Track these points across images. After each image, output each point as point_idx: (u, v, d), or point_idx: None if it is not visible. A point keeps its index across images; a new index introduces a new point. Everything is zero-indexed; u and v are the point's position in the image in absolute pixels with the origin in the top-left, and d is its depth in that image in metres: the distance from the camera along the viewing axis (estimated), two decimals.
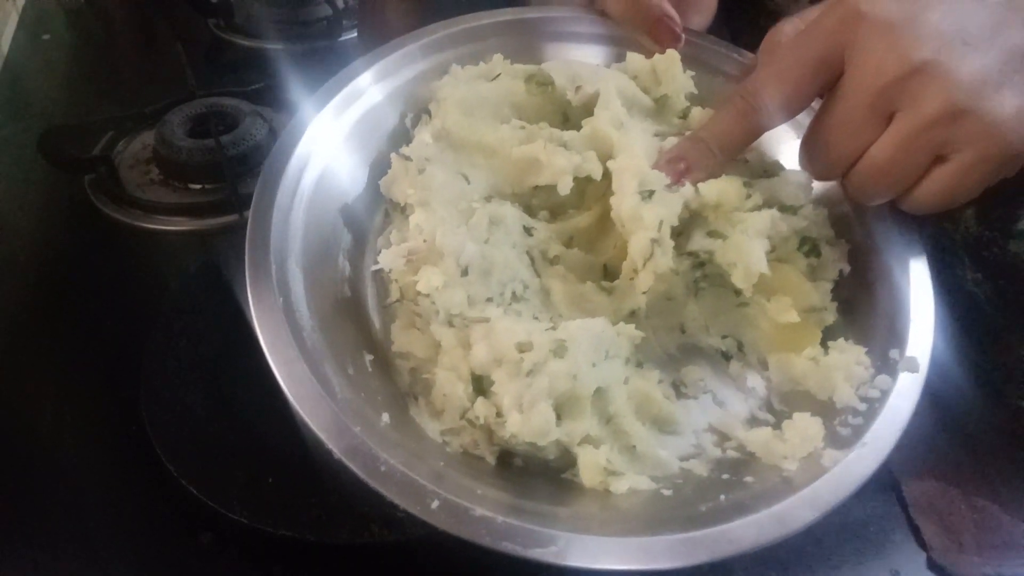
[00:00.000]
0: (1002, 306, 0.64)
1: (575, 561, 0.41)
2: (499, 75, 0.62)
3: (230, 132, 0.82)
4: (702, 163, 0.56)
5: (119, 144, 0.86)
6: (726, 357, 0.58)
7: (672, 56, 0.62)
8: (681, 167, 0.55)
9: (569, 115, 0.62)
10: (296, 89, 0.61)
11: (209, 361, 0.65)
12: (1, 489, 0.58)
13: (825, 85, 0.53)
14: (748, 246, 0.53)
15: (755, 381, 0.57)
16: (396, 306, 0.55)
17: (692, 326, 0.58)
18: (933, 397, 0.63)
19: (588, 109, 0.60)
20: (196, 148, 0.80)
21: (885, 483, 0.60)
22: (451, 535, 0.41)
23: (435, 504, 0.42)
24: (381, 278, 0.57)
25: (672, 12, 0.64)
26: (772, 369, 0.56)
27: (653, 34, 0.64)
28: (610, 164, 0.56)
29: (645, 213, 0.52)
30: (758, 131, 0.56)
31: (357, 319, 0.56)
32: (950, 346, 0.61)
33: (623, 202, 0.54)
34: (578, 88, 0.61)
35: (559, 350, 0.47)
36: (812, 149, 0.55)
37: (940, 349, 0.55)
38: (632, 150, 0.55)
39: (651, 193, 0.53)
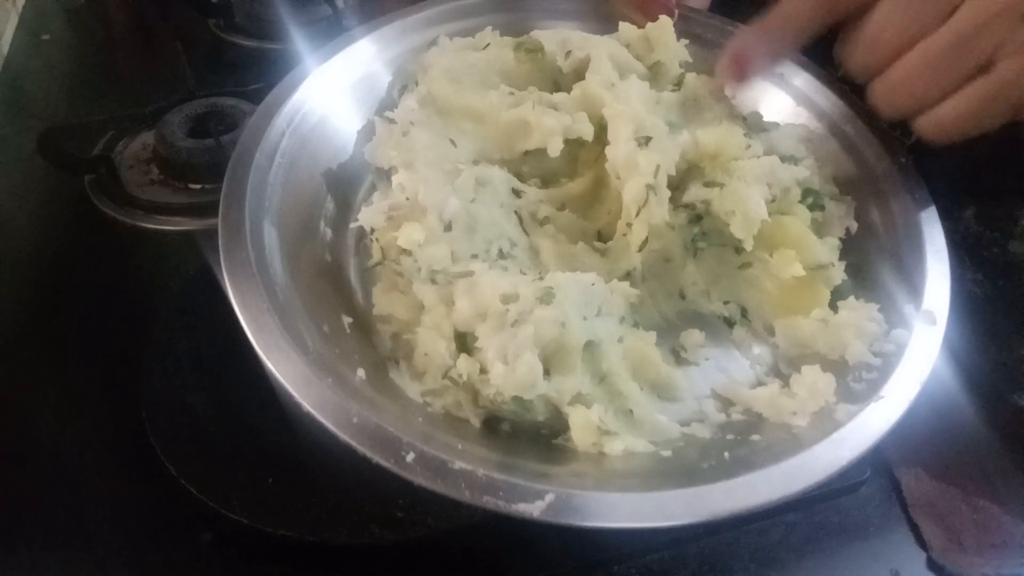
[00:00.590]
0: (1002, 306, 0.64)
1: (565, 518, 0.38)
2: (488, 45, 0.61)
3: (230, 132, 0.81)
4: (769, 52, 0.53)
5: (119, 144, 0.86)
6: (729, 324, 0.56)
7: (664, 23, 0.61)
8: (744, 62, 0.53)
9: (560, 83, 0.61)
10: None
11: (209, 361, 0.65)
12: (1, 489, 0.58)
13: None
14: (746, 192, 0.51)
15: (760, 348, 0.54)
16: (378, 269, 0.53)
17: (692, 291, 0.56)
18: (933, 396, 0.63)
19: (579, 75, 0.58)
20: (196, 148, 0.80)
21: (885, 483, 0.60)
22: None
23: (410, 456, 0.39)
24: (364, 246, 0.55)
25: None
26: (779, 334, 0.53)
27: (645, 9, 0.63)
28: (605, 111, 0.54)
29: (641, 159, 0.51)
30: (834, 13, 0.51)
31: (337, 284, 0.54)
32: (950, 346, 0.61)
33: (618, 149, 0.52)
34: (568, 53, 0.60)
35: (546, 297, 0.45)
36: (857, 37, 0.51)
37: (939, 349, 0.55)
38: (628, 98, 0.54)
39: (647, 139, 0.52)
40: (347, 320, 0.51)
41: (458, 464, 0.39)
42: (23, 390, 0.66)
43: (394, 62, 0.62)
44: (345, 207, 0.58)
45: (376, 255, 0.53)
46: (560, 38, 0.61)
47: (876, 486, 0.60)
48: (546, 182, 0.58)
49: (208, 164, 0.79)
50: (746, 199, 0.51)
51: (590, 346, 0.47)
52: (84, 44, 1.17)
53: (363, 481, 0.54)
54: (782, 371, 0.52)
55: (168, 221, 0.77)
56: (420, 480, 0.39)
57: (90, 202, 0.79)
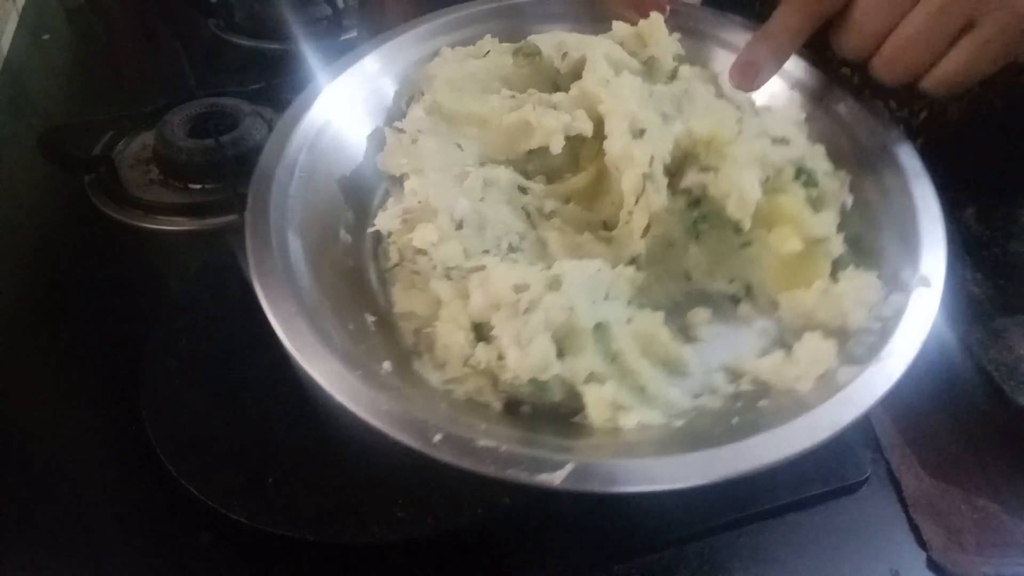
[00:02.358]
0: (1002, 306, 0.64)
1: (586, 485, 0.40)
2: (488, 52, 0.63)
3: (230, 132, 0.82)
4: (773, 58, 0.58)
5: (119, 144, 0.86)
6: (735, 300, 0.57)
7: (656, 19, 0.62)
8: (753, 71, 0.58)
9: (558, 83, 0.63)
10: (296, 89, 0.62)
11: (209, 360, 0.65)
12: (1, 489, 0.58)
13: None
14: (740, 175, 0.52)
15: (766, 321, 0.56)
16: (396, 270, 0.56)
17: (697, 272, 0.57)
18: (934, 396, 0.63)
19: (576, 75, 0.60)
20: (196, 148, 0.80)
21: (885, 483, 0.60)
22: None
23: (438, 437, 0.41)
24: (382, 249, 0.58)
25: None
26: (782, 307, 0.55)
27: (638, 7, 0.65)
28: (600, 107, 0.56)
29: (636, 151, 0.53)
30: (822, 16, 0.57)
31: (359, 286, 0.56)
32: (951, 345, 0.61)
33: (614, 143, 0.54)
34: (564, 55, 0.62)
35: (554, 284, 0.48)
36: (846, 25, 0.56)
37: (940, 348, 0.55)
38: (621, 94, 0.56)
39: (642, 132, 0.54)
40: (371, 319, 0.53)
41: (482, 442, 0.41)
42: (23, 390, 0.66)
43: (401, 74, 0.64)
44: (363, 214, 0.60)
45: (394, 257, 0.56)
46: (556, 41, 0.63)
47: (876, 486, 0.60)
48: (550, 178, 0.60)
49: (208, 164, 0.79)
50: (740, 181, 0.52)
51: (600, 327, 0.49)
52: (84, 44, 1.18)
53: (363, 481, 0.55)
54: (787, 342, 0.53)
55: (168, 221, 0.78)
56: (447, 458, 0.41)
57: (90, 202, 0.79)
